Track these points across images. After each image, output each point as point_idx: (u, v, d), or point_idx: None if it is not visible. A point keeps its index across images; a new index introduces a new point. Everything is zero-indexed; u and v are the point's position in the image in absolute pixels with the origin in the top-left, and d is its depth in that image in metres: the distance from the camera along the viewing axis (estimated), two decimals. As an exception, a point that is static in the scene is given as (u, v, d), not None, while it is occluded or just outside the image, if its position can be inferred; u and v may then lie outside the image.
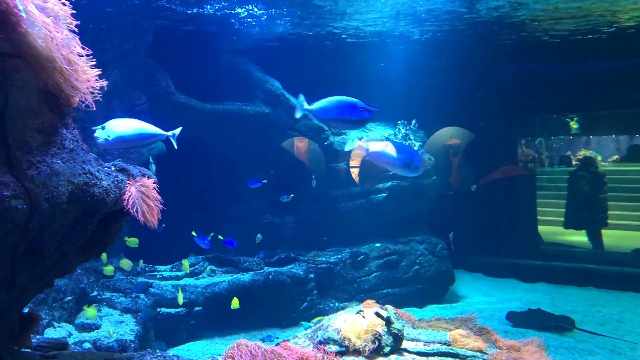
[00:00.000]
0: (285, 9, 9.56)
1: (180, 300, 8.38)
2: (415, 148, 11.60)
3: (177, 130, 5.86)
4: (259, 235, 10.10)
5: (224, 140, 11.18)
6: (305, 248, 10.88)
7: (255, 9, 9.52)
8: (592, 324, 9.40)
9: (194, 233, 8.83)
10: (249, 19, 10.06)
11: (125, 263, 8.50)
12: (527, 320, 9.57)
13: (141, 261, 9.01)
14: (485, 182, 13.69)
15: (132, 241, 8.32)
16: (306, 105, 5.45)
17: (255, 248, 10.47)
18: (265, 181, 9.76)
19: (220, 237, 9.21)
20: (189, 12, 9.57)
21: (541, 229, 14.83)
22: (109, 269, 8.26)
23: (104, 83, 2.85)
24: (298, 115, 5.52)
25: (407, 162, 5.82)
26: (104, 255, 8.09)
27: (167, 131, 5.66)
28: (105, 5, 8.53)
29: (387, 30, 10.93)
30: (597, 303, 10.73)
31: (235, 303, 8.20)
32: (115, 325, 7.29)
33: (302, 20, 10.21)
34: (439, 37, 11.50)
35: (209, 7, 9.31)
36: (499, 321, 9.63)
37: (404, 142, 11.63)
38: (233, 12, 9.63)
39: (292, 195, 10.46)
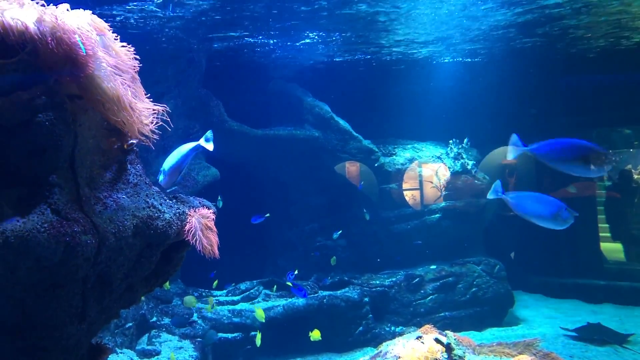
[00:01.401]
0: (336, 35, 9.68)
1: (258, 341, 8.39)
2: (469, 167, 11.41)
3: (209, 133, 5.62)
4: (334, 258, 10.28)
5: (276, 165, 11.33)
6: (359, 271, 10.80)
7: (312, 36, 9.66)
8: (666, 348, 8.89)
9: (289, 283, 8.99)
10: (301, 44, 10.22)
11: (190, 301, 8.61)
12: (585, 334, 9.37)
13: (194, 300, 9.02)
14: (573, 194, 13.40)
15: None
16: (521, 145, 5.48)
17: (308, 271, 10.50)
18: (267, 215, 9.71)
19: (289, 283, 9.26)
20: (238, 42, 9.84)
21: (603, 246, 14.20)
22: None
23: (166, 125, 2.95)
24: (512, 156, 5.53)
25: (555, 213, 5.73)
26: (166, 284, 8.24)
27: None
28: (160, 40, 8.87)
29: (439, 49, 10.86)
30: (670, 325, 10.14)
31: (316, 335, 8.12)
32: (174, 351, 7.41)
33: (351, 43, 10.29)
34: (493, 54, 11.34)
35: (260, 38, 9.54)
36: (564, 345, 9.23)
37: (456, 161, 11.48)
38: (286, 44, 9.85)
39: (340, 231, 10.52)
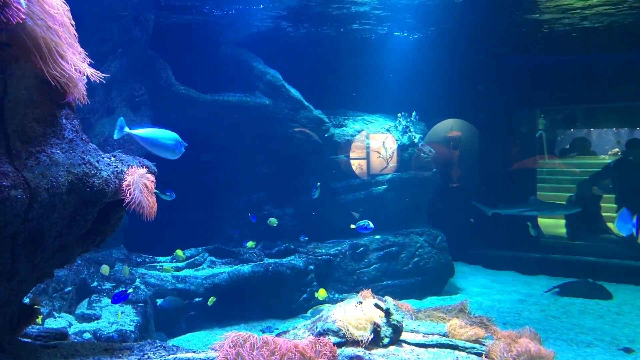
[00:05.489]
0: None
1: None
2: (416, 140, 11.59)
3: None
4: (274, 220, 10.27)
5: (225, 132, 11.16)
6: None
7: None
8: (592, 316, 9.44)
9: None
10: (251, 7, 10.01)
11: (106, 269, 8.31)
12: (573, 289, 10.80)
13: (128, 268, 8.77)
14: (515, 168, 13.84)
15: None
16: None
17: (255, 240, 10.50)
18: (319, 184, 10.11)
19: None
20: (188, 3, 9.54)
21: (541, 221, 14.82)
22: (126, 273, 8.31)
23: (101, 75, 2.85)
24: (624, 234, 6.53)
25: None
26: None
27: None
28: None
29: (388, 21, 10.85)
30: (595, 295, 10.77)
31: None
32: (115, 316, 7.31)
33: (300, 10, 10.16)
34: (440, 28, 11.43)
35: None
36: (498, 313, 9.66)
37: (404, 134, 11.63)
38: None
39: (319, 184, 10.59)
